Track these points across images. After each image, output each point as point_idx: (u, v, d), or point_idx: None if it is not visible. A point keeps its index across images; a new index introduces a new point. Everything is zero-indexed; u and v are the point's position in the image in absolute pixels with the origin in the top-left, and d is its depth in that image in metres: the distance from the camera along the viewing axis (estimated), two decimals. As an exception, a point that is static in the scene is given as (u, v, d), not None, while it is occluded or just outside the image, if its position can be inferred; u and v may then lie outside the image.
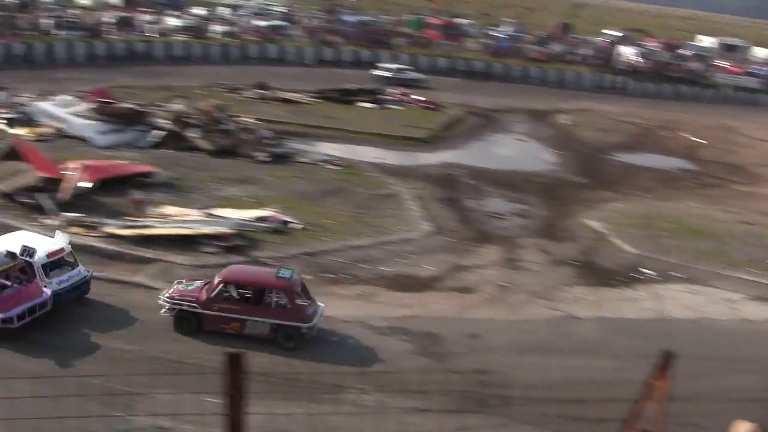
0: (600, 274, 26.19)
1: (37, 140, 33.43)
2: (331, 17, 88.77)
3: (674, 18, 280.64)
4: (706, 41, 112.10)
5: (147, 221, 25.33)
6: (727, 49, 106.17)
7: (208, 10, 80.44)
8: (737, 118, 66.91)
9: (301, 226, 26.73)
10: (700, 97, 79.42)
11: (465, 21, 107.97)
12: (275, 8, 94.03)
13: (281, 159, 35.51)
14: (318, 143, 40.21)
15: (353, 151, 39.89)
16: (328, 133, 42.63)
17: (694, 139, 54.72)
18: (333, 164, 35.81)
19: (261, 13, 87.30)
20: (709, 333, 22.69)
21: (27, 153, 28.25)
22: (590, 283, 25.30)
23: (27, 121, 36.45)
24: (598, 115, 59.22)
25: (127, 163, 31.23)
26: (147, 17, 70.14)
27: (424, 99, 54.05)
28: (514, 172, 40.21)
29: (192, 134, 36.11)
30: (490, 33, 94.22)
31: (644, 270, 26.73)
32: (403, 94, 54.66)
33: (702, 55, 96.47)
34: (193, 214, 26.48)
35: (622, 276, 26.14)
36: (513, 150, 47.14)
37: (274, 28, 75.84)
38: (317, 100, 50.65)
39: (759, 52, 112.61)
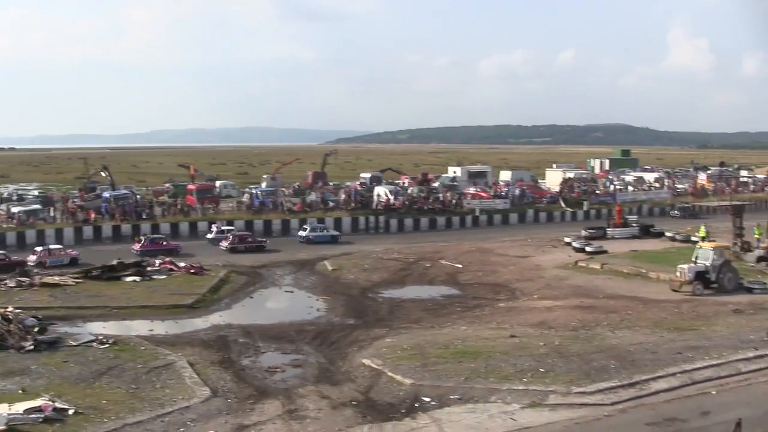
0: (381, 410, 26.55)
1: None
2: (88, 195, 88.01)
3: (424, 153, 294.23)
4: (454, 171, 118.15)
5: None
6: (474, 176, 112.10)
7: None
8: (492, 240, 70.42)
9: (73, 411, 25.77)
10: (455, 224, 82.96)
11: (222, 182, 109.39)
12: (31, 192, 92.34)
13: (49, 345, 34.29)
14: (86, 324, 39.39)
15: (123, 326, 39.34)
16: (95, 313, 41.91)
17: (454, 264, 56.99)
18: (103, 343, 34.86)
19: (15, 199, 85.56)
20: (492, 448, 23.45)
21: None
22: (373, 420, 25.56)
23: None
24: (361, 257, 60.83)
25: None
26: None
27: (188, 265, 53.90)
28: (286, 323, 40.44)
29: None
30: (248, 191, 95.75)
31: (423, 398, 27.34)
32: (169, 263, 54.34)
33: (452, 185, 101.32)
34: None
35: (403, 408, 26.59)
36: (282, 302, 47.63)
37: (30, 213, 74.05)
38: (80, 281, 49.54)
39: (503, 175, 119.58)
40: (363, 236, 75.24)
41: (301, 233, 72.49)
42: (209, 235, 70.66)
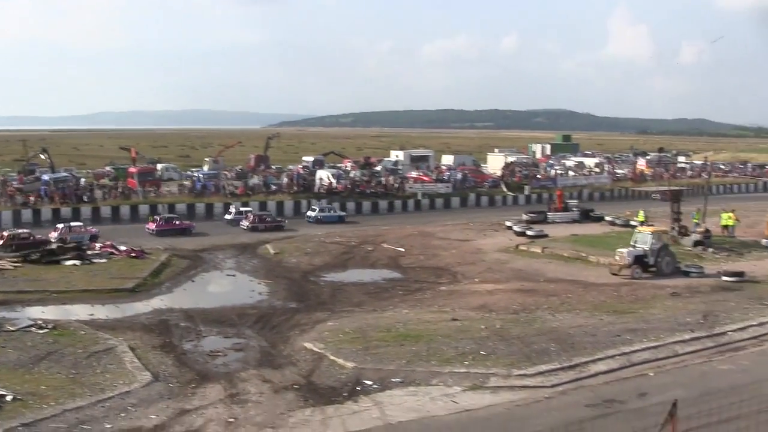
0: (323, 393, 26.55)
1: None
2: (27, 178, 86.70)
3: (367, 137, 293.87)
4: (396, 155, 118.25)
5: None
6: (417, 160, 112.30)
7: None
8: (434, 224, 70.67)
9: (12, 397, 25.42)
10: (397, 208, 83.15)
11: (164, 165, 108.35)
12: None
13: (-15, 332, 33.77)
14: (25, 308, 38.86)
15: (63, 311, 38.89)
16: (34, 297, 41.22)
17: (396, 248, 57.14)
18: (42, 328, 34.35)
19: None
20: (433, 431, 23.54)
21: None
22: (314, 404, 25.55)
23: None
24: (303, 240, 60.77)
25: None
26: None
27: (129, 248, 53.37)
28: (228, 307, 40.26)
29: None
30: (190, 174, 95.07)
31: (365, 381, 27.41)
32: (109, 246, 53.76)
33: (394, 168, 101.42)
34: None
35: (345, 391, 26.62)
36: (224, 286, 47.44)
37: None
38: (19, 265, 48.82)
39: (445, 160, 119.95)
40: (306, 220, 75.08)
41: (310, 213, 75.94)
42: (227, 216, 72.77)
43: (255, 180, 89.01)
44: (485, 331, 33.47)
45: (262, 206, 77.30)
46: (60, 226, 59.27)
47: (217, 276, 50.27)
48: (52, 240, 55.96)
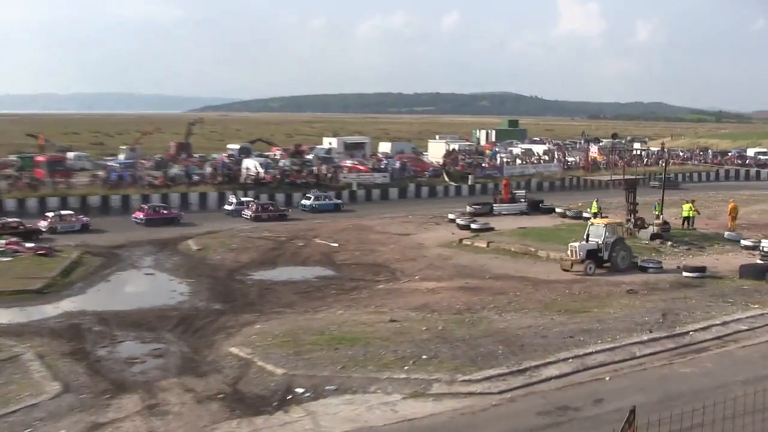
0: (251, 403, 26.28)
1: None
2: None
3: (297, 123, 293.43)
4: (329, 143, 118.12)
5: None
6: (351, 148, 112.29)
7: None
8: (370, 216, 70.72)
9: None
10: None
11: (75, 154, 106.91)
12: None
13: None
14: None
15: (-40, 316, 38.03)
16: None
17: (330, 243, 57.02)
18: (-64, 336, 33.70)
19: None
20: (371, 442, 23.47)
21: None
22: (242, 414, 25.28)
23: None
24: (229, 235, 60.35)
25: None
26: None
27: (36, 246, 52.51)
28: (146, 309, 39.70)
29: None
30: (104, 163, 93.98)
31: (297, 389, 27.19)
32: (14, 243, 52.81)
33: (327, 157, 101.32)
34: None
35: (275, 400, 26.38)
36: (142, 286, 46.82)
37: None
38: None
39: (382, 147, 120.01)
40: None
41: (305, 202, 78.15)
42: (227, 207, 74.23)
43: (175, 170, 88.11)
44: (427, 333, 33.45)
45: (184, 198, 76.67)
46: (50, 214, 60.99)
47: (135, 275, 49.58)
48: (42, 229, 57.99)
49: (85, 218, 63.92)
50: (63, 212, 62.85)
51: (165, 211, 69.36)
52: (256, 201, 74.35)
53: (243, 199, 75.17)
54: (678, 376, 29.38)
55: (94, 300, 42.12)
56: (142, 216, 66.97)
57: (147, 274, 49.66)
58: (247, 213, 71.04)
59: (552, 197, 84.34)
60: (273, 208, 72.92)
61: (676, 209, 64.87)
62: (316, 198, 78.28)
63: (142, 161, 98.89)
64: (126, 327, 36.32)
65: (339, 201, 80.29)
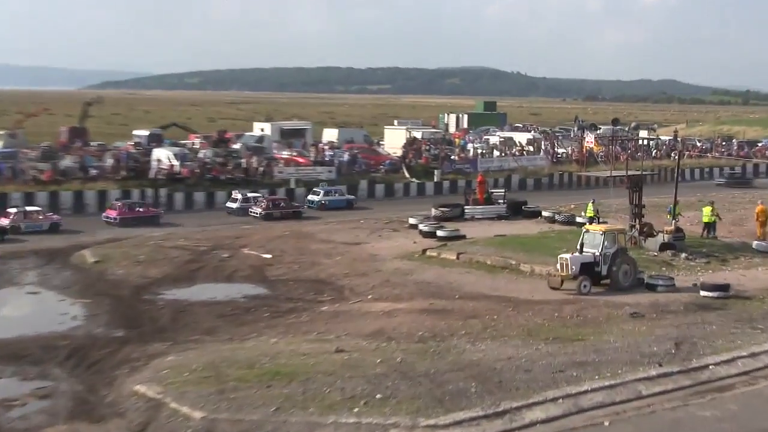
0: (161, 456, 26.17)
1: None
2: None
3: (221, 104, 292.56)
4: (261, 129, 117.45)
5: None
6: (289, 136, 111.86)
7: None
8: (312, 221, 70.72)
9: None
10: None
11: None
12: None
13: None
14: None
15: None
16: None
17: (261, 255, 56.88)
18: None
19: None
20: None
21: None
22: (149, 470, 25.17)
23: None
24: (134, 244, 60.00)
25: None
26: None
27: None
28: (28, 338, 39.36)
29: None
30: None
31: (220, 438, 27.09)
32: None
33: (258, 147, 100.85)
34: None
35: (192, 451, 26.29)
36: (23, 308, 46.49)
37: None
38: None
39: (327, 135, 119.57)
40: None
41: (312, 197, 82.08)
42: (231, 204, 77.91)
43: (68, 161, 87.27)
44: (382, 367, 33.39)
45: (77, 196, 75.80)
46: (12, 210, 63.03)
47: (14, 294, 49.20)
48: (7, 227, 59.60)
49: (55, 216, 66.31)
50: (29, 208, 65.49)
51: (141, 209, 71.66)
52: (266, 196, 77.95)
53: (249, 194, 77.89)
54: (695, 421, 29.59)
55: (-39, 324, 41.83)
56: (115, 215, 68.95)
57: (30, 292, 49.28)
58: (257, 210, 74.67)
59: (538, 198, 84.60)
60: (285, 205, 76.70)
61: (692, 213, 64.93)
62: (326, 193, 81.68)
63: (25, 150, 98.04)
64: (3, 360, 36.02)
65: (352, 197, 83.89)
